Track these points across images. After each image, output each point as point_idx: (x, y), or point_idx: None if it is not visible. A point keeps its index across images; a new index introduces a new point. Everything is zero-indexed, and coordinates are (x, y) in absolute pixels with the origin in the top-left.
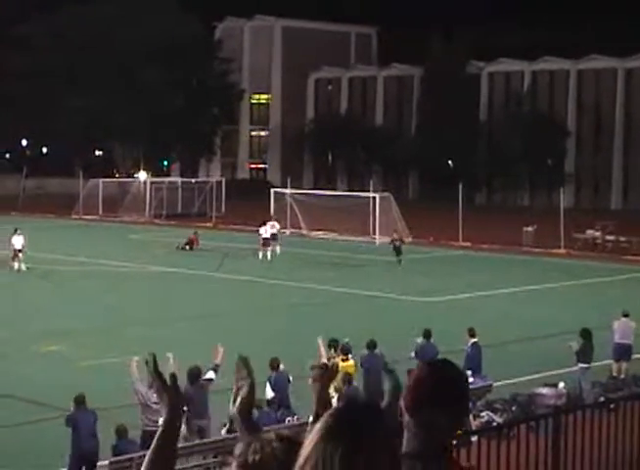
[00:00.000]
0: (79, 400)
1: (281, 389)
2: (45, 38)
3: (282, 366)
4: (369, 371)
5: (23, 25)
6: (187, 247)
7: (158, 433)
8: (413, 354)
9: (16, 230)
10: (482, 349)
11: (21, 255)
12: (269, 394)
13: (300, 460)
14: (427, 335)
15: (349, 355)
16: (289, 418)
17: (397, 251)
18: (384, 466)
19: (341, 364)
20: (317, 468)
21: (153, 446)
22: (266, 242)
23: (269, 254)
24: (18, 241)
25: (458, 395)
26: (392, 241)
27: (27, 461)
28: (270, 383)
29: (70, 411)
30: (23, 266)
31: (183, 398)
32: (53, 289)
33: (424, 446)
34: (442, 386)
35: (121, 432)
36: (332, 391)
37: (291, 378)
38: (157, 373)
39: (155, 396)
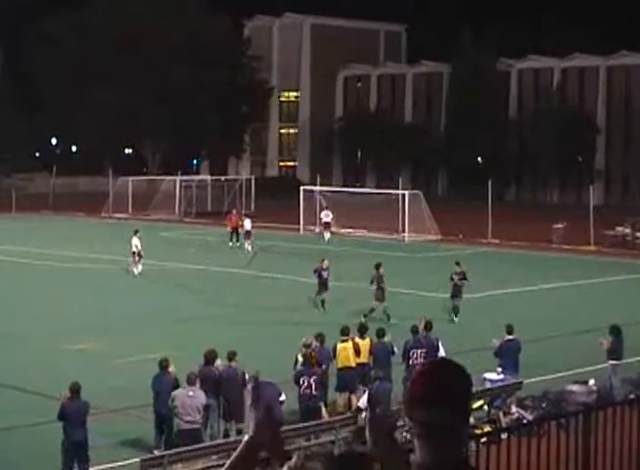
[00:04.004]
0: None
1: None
2: (74, 35)
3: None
4: (377, 356)
5: (52, 22)
6: (232, 236)
7: (238, 448)
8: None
9: (136, 232)
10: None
11: (135, 257)
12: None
13: None
14: (427, 327)
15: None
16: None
17: (456, 292)
18: None
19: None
20: None
21: (229, 460)
22: (247, 234)
23: (247, 245)
24: (136, 242)
25: (464, 393)
26: (453, 275)
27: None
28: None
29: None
30: (136, 270)
31: (274, 424)
32: (90, 286)
33: (438, 454)
34: (449, 384)
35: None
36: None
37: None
38: (255, 394)
39: (190, 393)
